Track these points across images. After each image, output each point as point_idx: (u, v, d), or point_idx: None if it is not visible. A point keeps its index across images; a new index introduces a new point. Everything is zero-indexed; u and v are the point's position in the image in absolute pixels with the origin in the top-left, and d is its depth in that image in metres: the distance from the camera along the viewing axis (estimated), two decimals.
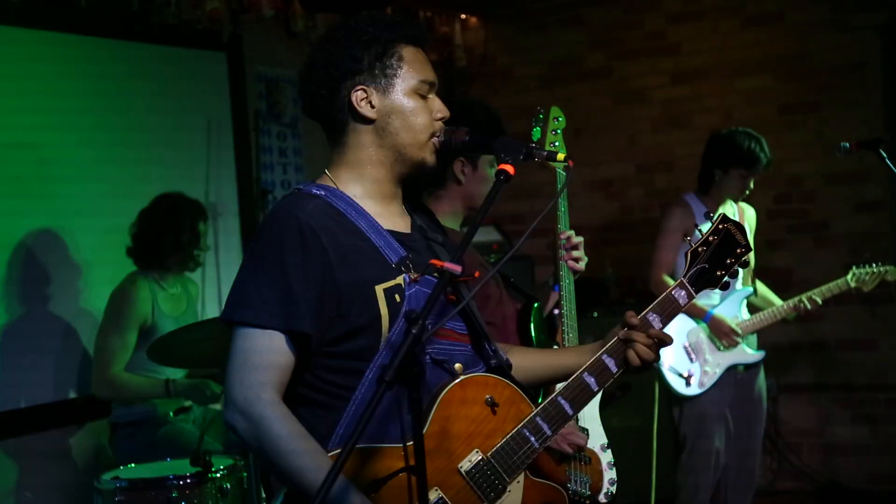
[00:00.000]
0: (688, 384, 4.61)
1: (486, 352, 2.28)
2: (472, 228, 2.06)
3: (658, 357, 2.27)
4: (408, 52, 2.19)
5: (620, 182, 6.38)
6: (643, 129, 6.21)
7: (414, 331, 1.81)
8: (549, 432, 2.19)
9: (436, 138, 2.20)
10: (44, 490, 4.35)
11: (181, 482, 3.50)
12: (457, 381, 2.13)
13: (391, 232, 2.19)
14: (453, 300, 2.19)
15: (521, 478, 2.18)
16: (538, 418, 2.19)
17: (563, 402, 2.22)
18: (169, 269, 4.31)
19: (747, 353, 4.71)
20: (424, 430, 2.04)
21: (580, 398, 2.24)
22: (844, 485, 5.77)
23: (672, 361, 4.61)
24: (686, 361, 4.62)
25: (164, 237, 4.25)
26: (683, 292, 2.34)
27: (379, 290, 2.09)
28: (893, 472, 5.63)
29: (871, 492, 5.69)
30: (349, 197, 2.18)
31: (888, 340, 5.69)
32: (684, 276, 2.34)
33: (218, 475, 3.56)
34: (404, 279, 2.12)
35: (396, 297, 2.09)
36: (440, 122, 2.21)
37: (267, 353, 2.03)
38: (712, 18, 6.06)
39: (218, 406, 4.33)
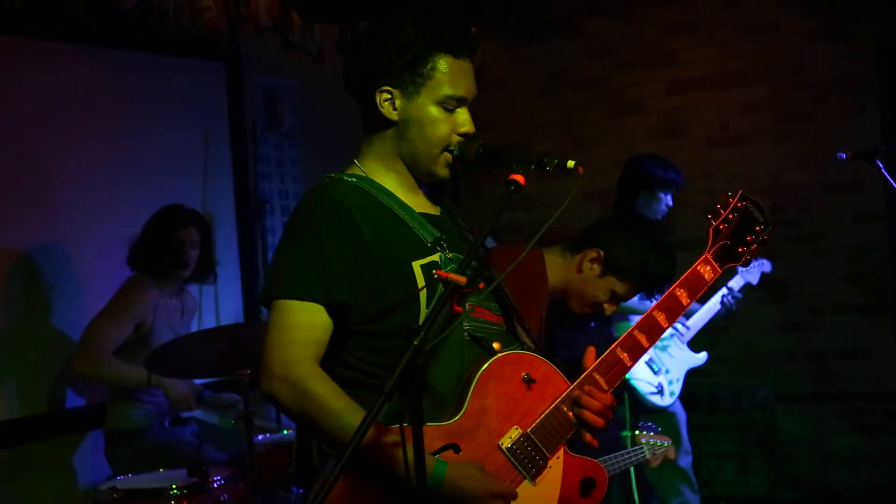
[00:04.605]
0: (661, 395, 4.64)
1: (518, 332, 2.31)
2: (480, 239, 2.07)
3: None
4: (444, 62, 2.17)
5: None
6: (640, 139, 6.21)
7: (416, 342, 1.81)
8: None
9: (448, 152, 2.20)
10: (41, 501, 4.34)
11: (179, 492, 3.50)
12: (494, 358, 2.16)
13: (423, 214, 2.23)
14: (459, 311, 2.19)
15: (560, 453, 2.22)
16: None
17: (598, 377, 2.27)
18: (162, 277, 4.29)
19: (697, 357, 4.81)
20: (464, 409, 2.09)
21: (615, 374, 2.28)
22: (841, 494, 5.77)
23: (640, 374, 4.62)
24: (651, 374, 4.65)
25: (153, 244, 4.24)
26: (708, 267, 2.40)
27: (416, 266, 2.13)
28: (890, 481, 5.62)
29: (869, 501, 5.68)
30: (379, 184, 2.21)
31: (885, 350, 5.69)
32: (708, 252, 2.40)
33: (215, 485, 3.56)
34: (441, 258, 2.16)
35: (434, 273, 2.12)
36: (460, 137, 2.20)
37: (306, 327, 2.07)
38: (708, 29, 6.07)
39: (195, 413, 4.32)
